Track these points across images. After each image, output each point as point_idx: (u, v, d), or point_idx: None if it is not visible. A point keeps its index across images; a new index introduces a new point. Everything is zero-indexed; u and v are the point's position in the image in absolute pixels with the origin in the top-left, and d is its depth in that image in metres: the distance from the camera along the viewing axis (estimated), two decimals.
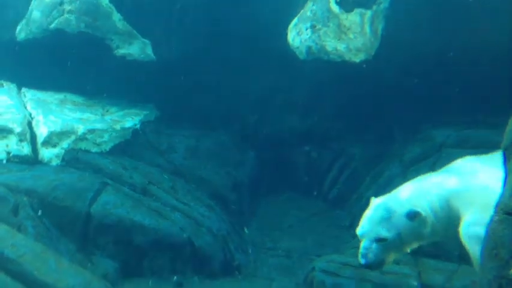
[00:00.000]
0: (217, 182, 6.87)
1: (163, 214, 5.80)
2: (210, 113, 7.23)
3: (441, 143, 6.04)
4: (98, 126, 6.51)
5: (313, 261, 5.39)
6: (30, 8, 6.61)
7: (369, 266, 3.76)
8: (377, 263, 3.70)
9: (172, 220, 5.79)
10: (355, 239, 5.66)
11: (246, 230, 6.54)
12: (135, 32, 6.86)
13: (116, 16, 6.70)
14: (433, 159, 5.84)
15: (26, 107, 6.54)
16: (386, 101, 6.40)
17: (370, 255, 3.66)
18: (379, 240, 3.62)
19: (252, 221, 6.67)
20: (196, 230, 5.83)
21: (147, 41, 6.91)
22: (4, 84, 6.86)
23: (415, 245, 3.76)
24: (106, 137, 6.46)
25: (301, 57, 6.43)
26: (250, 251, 6.21)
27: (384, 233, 3.64)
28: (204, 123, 7.25)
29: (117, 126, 6.63)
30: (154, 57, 6.94)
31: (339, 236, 6.34)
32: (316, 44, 6.30)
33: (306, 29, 6.37)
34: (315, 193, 7.02)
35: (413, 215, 3.57)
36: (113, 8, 6.66)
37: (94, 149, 6.35)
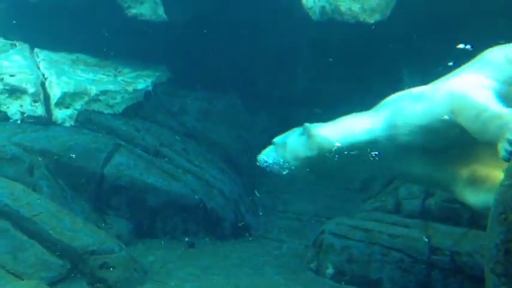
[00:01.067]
0: (228, 144, 6.91)
1: (175, 176, 5.87)
2: (222, 75, 7.16)
3: None
4: (111, 87, 6.52)
5: (323, 224, 5.44)
6: None
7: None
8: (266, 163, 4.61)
9: (184, 182, 5.87)
10: (365, 203, 5.75)
11: (256, 193, 6.60)
12: None
13: None
14: None
15: (39, 68, 6.54)
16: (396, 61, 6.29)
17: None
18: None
19: (263, 184, 6.71)
20: (208, 192, 5.91)
21: (158, 1, 6.80)
22: (17, 44, 6.84)
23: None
24: (118, 98, 6.48)
25: (315, 18, 6.29)
26: (260, 214, 6.29)
27: (278, 139, 4.55)
28: (216, 85, 7.21)
29: (130, 88, 6.63)
30: (166, 17, 6.83)
31: (348, 199, 6.37)
32: (330, 4, 6.16)
33: None
34: None
35: (305, 131, 4.24)
36: None
37: (107, 111, 6.38)
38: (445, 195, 4.73)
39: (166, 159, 6.12)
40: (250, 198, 6.47)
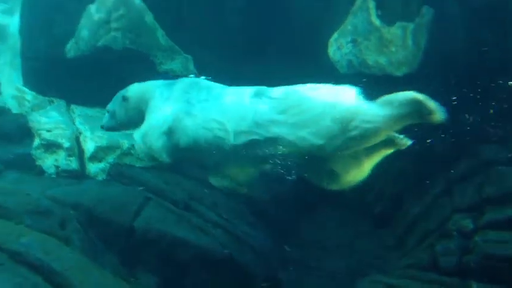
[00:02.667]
0: (259, 197, 6.85)
1: (204, 230, 5.84)
2: None
3: (489, 160, 5.81)
4: None
5: (357, 281, 5.27)
6: (79, 26, 6.84)
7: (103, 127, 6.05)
8: (107, 126, 6.02)
9: (213, 236, 5.82)
10: (401, 260, 5.57)
11: (286, 247, 6.48)
12: (177, 47, 6.97)
13: (159, 32, 6.84)
14: (480, 177, 5.63)
15: (74, 123, 6.76)
16: None
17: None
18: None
19: (294, 238, 6.60)
20: (238, 247, 5.84)
21: (189, 57, 7.02)
22: (54, 101, 7.12)
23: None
24: None
25: (342, 71, 6.38)
26: (291, 269, 6.15)
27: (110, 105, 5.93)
28: None
29: None
30: (196, 72, 7.04)
31: (382, 255, 6.19)
32: (357, 57, 6.25)
33: (347, 43, 6.33)
34: (359, 210, 6.88)
35: (125, 97, 5.65)
36: (157, 24, 6.81)
37: (138, 164, 6.48)
38: (484, 251, 4.57)
39: (195, 213, 6.11)
40: (281, 253, 6.35)
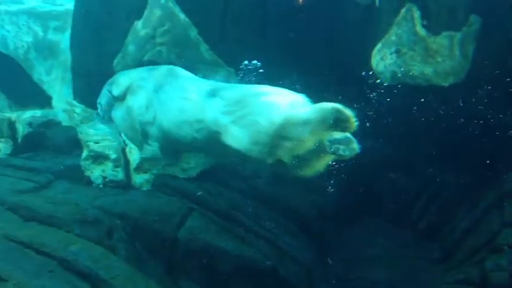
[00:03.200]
0: (301, 209, 6.82)
1: (246, 241, 5.86)
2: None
3: None
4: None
5: None
6: (126, 42, 7.04)
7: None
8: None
9: (255, 247, 5.83)
10: (447, 274, 5.40)
11: (329, 260, 6.40)
12: (220, 61, 7.08)
13: (203, 47, 6.95)
14: None
15: (120, 135, 6.95)
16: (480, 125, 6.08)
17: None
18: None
19: (336, 250, 6.51)
20: (280, 258, 5.82)
21: (232, 70, 7.11)
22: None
23: None
24: (192, 163, 6.68)
25: (386, 82, 6.30)
26: (334, 282, 6.07)
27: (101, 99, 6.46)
28: None
29: None
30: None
31: (428, 269, 6.02)
32: (401, 68, 6.15)
33: (391, 54, 6.25)
34: (403, 222, 6.74)
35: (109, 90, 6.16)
36: (200, 39, 6.93)
37: (181, 175, 6.60)
38: None
39: (237, 223, 6.14)
40: (323, 265, 6.28)
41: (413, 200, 6.91)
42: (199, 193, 6.31)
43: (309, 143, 4.52)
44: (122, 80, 6.27)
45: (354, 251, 6.39)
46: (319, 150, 4.65)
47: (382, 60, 6.28)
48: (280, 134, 4.54)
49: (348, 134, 4.76)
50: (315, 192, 7.07)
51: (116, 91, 6.20)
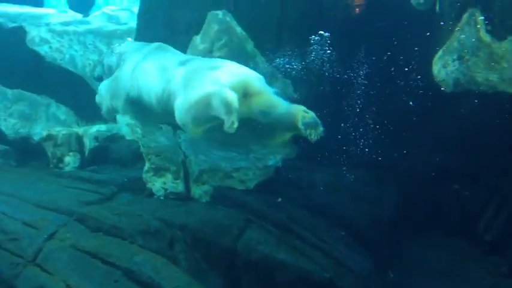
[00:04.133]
0: (358, 220, 6.71)
1: (304, 252, 5.82)
2: (349, 150, 7.14)
3: None
4: (243, 164, 6.84)
5: None
6: None
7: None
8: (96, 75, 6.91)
9: (313, 259, 5.78)
10: None
11: (390, 273, 6.25)
12: (277, 72, 7.14)
13: (260, 59, 7.06)
14: None
15: (180, 147, 7.15)
16: None
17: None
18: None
19: (396, 264, 6.34)
20: (338, 270, 5.73)
21: (288, 81, 7.15)
22: (162, 127, 7.59)
23: None
24: (250, 174, 6.77)
25: (448, 89, 6.11)
26: None
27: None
28: (344, 160, 7.18)
29: (260, 164, 6.90)
30: (295, 96, 7.14)
31: (495, 284, 5.73)
32: (465, 75, 5.94)
33: (453, 61, 6.05)
34: (466, 235, 6.47)
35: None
36: (257, 51, 7.03)
37: (239, 187, 6.69)
38: None
39: (295, 234, 6.12)
40: (383, 278, 6.13)
41: (478, 212, 6.61)
42: (279, 199, 6.50)
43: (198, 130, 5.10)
44: (120, 48, 6.69)
45: (414, 264, 6.19)
46: (284, 126, 5.32)
47: (444, 67, 6.09)
48: (196, 110, 5.01)
49: (316, 118, 5.39)
50: (372, 203, 6.94)
51: (113, 58, 6.60)
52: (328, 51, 6.69)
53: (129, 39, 7.72)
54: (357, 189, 7.05)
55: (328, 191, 7.00)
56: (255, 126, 5.37)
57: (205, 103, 4.95)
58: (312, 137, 5.30)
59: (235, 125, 4.63)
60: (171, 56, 6.03)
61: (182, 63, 5.58)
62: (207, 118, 4.98)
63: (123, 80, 6.14)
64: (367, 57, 6.71)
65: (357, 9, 6.73)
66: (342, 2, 6.74)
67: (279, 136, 5.56)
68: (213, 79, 5.09)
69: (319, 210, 6.72)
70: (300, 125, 5.27)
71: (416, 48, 6.33)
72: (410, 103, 6.62)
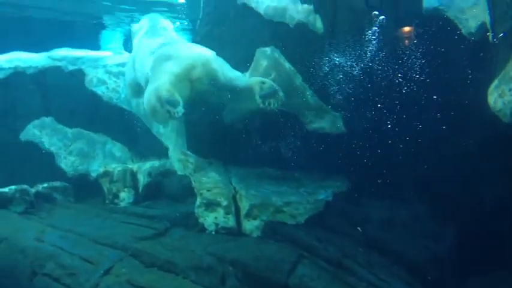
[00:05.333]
0: (414, 256, 6.46)
1: None
2: (403, 183, 6.95)
3: None
4: (293, 198, 6.81)
5: None
6: None
7: None
8: None
9: None
10: None
11: None
12: (325, 106, 7.14)
13: (309, 93, 7.09)
14: None
15: (231, 182, 7.22)
16: None
17: None
18: None
19: None
20: None
21: (337, 114, 7.12)
22: (213, 163, 7.71)
23: None
24: (301, 209, 6.70)
25: (505, 120, 5.85)
26: None
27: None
28: (397, 193, 6.99)
29: (311, 198, 6.84)
30: (344, 129, 7.09)
31: None
32: None
33: (510, 90, 5.83)
34: None
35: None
36: (306, 86, 7.08)
37: (290, 221, 6.63)
38: None
39: (349, 271, 5.96)
40: None
41: None
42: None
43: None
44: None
45: None
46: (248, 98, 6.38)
47: (501, 97, 5.86)
48: (147, 105, 6.29)
49: (274, 86, 6.36)
50: (430, 237, 6.67)
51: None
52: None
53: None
54: (414, 225, 6.81)
55: (382, 226, 6.81)
56: (226, 97, 6.72)
57: (152, 99, 6.14)
58: (272, 106, 6.31)
59: (176, 114, 6.00)
60: (155, 38, 7.53)
61: (153, 52, 6.97)
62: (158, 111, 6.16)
63: (139, 65, 7.34)
64: (421, 91, 6.60)
65: (407, 41, 6.67)
66: (390, 34, 6.70)
67: (248, 106, 6.71)
68: (164, 70, 6.33)
69: (373, 245, 6.53)
70: (258, 99, 6.41)
71: (469, 77, 6.18)
72: (468, 135, 6.42)
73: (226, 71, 6.59)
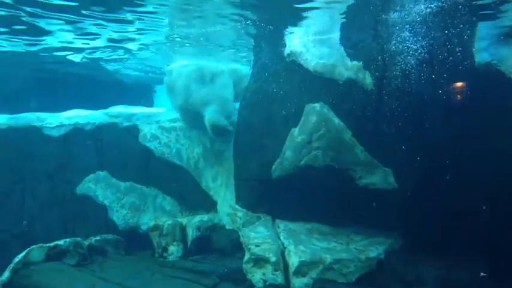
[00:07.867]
0: None
1: None
2: (460, 240, 6.64)
3: None
4: (344, 256, 6.63)
5: None
6: (283, 148, 7.47)
7: None
8: None
9: None
10: None
11: None
12: (376, 161, 7.04)
13: (358, 148, 7.03)
14: None
15: (279, 237, 7.13)
16: None
17: None
18: None
19: None
20: None
21: (388, 170, 7.00)
22: (261, 217, 7.68)
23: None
24: (352, 267, 6.51)
25: None
26: None
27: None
28: (454, 251, 6.67)
29: (362, 256, 6.64)
30: (396, 185, 6.94)
31: None
32: None
33: None
34: None
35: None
36: (355, 141, 7.03)
37: (340, 279, 6.44)
38: None
39: None
40: None
41: None
42: None
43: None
44: None
45: None
46: None
47: None
48: None
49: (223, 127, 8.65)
50: None
51: None
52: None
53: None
54: (472, 285, 6.43)
55: (437, 285, 6.47)
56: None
57: None
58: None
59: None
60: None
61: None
62: None
63: None
64: (475, 142, 6.44)
65: (459, 96, 6.60)
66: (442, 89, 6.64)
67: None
68: None
69: None
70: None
71: None
72: None
73: None
